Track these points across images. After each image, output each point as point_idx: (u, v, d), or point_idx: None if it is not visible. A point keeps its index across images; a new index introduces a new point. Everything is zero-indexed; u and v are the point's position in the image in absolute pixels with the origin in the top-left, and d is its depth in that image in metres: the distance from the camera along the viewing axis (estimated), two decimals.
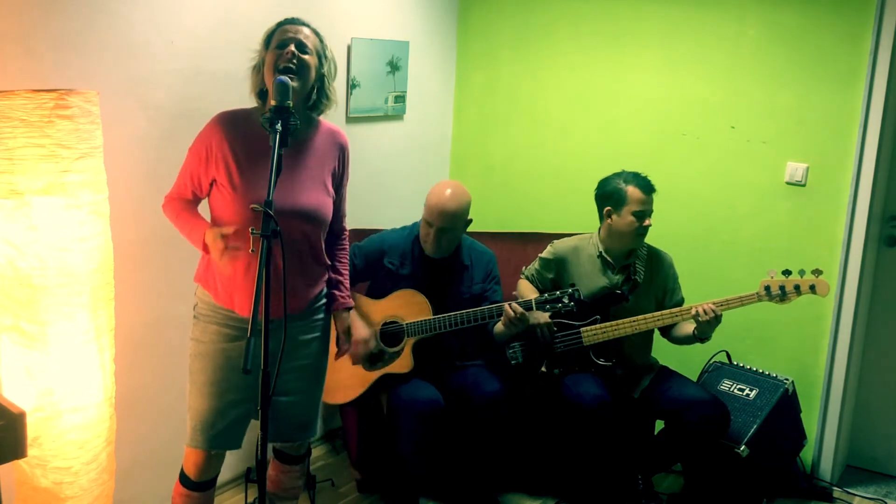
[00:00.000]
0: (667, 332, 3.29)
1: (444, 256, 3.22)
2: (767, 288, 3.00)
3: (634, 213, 3.16)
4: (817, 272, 2.96)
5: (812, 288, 2.97)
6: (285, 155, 2.11)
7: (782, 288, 2.98)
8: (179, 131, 2.79)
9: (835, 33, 3.41)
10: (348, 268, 2.69)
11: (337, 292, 2.62)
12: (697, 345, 3.49)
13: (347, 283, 2.67)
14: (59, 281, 2.20)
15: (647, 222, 3.18)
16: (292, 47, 2.31)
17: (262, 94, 2.40)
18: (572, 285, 3.03)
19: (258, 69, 2.38)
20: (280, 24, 2.39)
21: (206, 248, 2.32)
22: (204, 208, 2.46)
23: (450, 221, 3.10)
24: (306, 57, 2.33)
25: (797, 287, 2.97)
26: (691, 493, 3.41)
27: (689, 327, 3.16)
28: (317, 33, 2.40)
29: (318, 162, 2.44)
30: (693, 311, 3.03)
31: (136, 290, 2.82)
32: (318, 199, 2.41)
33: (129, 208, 2.71)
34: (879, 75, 3.32)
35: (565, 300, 2.96)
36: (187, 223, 2.39)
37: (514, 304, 2.98)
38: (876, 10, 3.30)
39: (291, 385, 2.46)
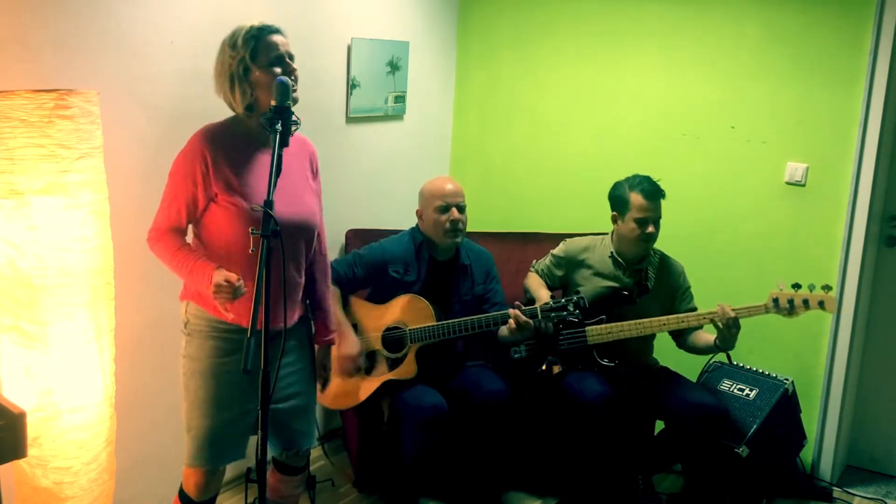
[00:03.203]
0: (681, 341, 3.27)
1: (448, 256, 3.25)
2: (776, 300, 2.95)
3: (636, 220, 3.15)
4: (827, 288, 2.91)
5: (821, 304, 2.91)
6: (267, 164, 2.08)
7: (791, 301, 2.93)
8: (179, 131, 2.78)
9: (835, 33, 3.41)
10: (330, 295, 2.64)
11: (323, 325, 2.60)
12: None
13: (331, 315, 2.63)
14: (59, 281, 2.20)
15: (649, 229, 3.15)
16: (290, 63, 2.30)
17: (249, 108, 2.31)
18: (577, 293, 3.02)
19: (242, 81, 2.27)
20: (260, 35, 2.28)
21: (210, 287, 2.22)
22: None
23: (459, 196, 3.19)
24: (294, 65, 2.33)
25: (805, 301, 2.92)
26: (691, 493, 3.41)
27: (708, 337, 3.15)
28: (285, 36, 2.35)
29: (299, 168, 2.43)
30: (713, 315, 3.00)
31: (136, 290, 2.82)
32: (311, 205, 2.42)
33: (129, 208, 2.71)
34: (879, 75, 3.32)
35: (570, 308, 2.95)
36: (186, 263, 2.28)
37: (519, 314, 2.98)
38: (876, 10, 3.30)
39: (290, 391, 2.45)
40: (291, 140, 2.36)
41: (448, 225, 3.15)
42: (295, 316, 2.45)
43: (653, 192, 3.17)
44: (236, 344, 2.36)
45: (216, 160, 2.28)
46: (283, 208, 2.26)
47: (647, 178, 3.20)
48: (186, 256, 2.29)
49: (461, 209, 3.17)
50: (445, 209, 3.15)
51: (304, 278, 2.47)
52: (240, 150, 2.32)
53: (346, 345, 3.08)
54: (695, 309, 3.27)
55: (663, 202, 3.22)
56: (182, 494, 2.45)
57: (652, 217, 3.16)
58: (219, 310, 2.29)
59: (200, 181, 2.27)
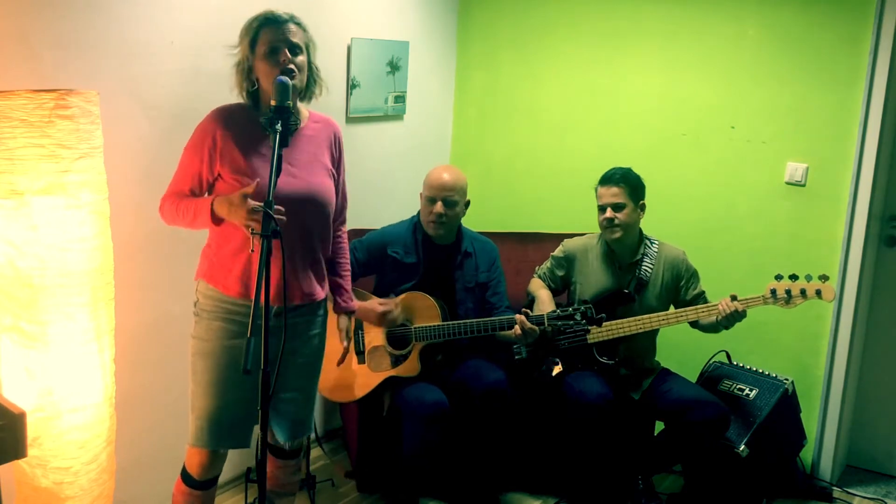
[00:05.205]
0: (693, 323, 3.26)
1: (446, 242, 3.25)
2: (773, 291, 3.00)
3: (599, 209, 3.23)
4: (824, 278, 2.95)
5: (818, 293, 2.96)
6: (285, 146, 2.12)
7: (788, 292, 2.98)
8: (179, 131, 2.78)
9: (835, 33, 3.41)
10: (349, 269, 2.70)
11: (337, 296, 2.65)
12: (697, 345, 3.49)
13: (349, 285, 2.68)
14: (59, 281, 2.20)
15: (607, 214, 3.19)
16: (287, 53, 2.29)
17: (251, 95, 2.38)
18: (585, 302, 3.04)
19: (245, 71, 2.35)
20: (262, 24, 2.32)
21: (217, 221, 2.28)
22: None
23: (449, 190, 3.16)
24: (299, 58, 2.32)
25: (803, 291, 2.98)
26: (691, 494, 3.41)
27: (712, 317, 3.16)
28: (300, 24, 2.36)
29: (316, 147, 2.45)
30: (717, 309, 3.04)
31: (136, 290, 2.82)
32: (323, 181, 2.43)
33: (129, 208, 2.71)
34: (879, 75, 3.32)
35: (577, 317, 2.96)
36: (190, 206, 2.33)
37: (525, 320, 2.99)
38: (876, 10, 3.30)
39: (291, 382, 2.46)
40: (314, 118, 2.47)
41: (431, 216, 3.17)
42: (322, 292, 2.49)
43: (606, 177, 3.23)
44: (243, 326, 2.39)
45: (225, 139, 2.33)
46: (290, 183, 2.30)
47: (613, 168, 3.26)
48: (187, 204, 2.35)
49: (448, 203, 3.16)
50: (432, 201, 3.17)
51: (323, 254, 2.50)
52: (251, 133, 2.35)
53: (372, 304, 3.07)
54: (702, 293, 3.27)
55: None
56: (184, 473, 2.49)
57: (609, 203, 3.20)
58: (228, 287, 2.36)
59: (206, 159, 2.35)
